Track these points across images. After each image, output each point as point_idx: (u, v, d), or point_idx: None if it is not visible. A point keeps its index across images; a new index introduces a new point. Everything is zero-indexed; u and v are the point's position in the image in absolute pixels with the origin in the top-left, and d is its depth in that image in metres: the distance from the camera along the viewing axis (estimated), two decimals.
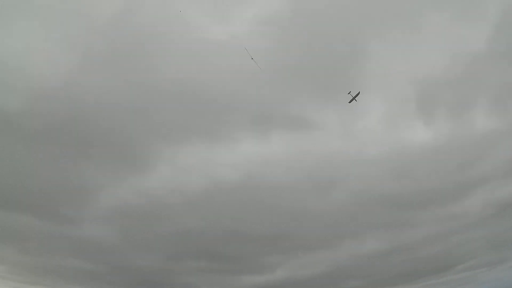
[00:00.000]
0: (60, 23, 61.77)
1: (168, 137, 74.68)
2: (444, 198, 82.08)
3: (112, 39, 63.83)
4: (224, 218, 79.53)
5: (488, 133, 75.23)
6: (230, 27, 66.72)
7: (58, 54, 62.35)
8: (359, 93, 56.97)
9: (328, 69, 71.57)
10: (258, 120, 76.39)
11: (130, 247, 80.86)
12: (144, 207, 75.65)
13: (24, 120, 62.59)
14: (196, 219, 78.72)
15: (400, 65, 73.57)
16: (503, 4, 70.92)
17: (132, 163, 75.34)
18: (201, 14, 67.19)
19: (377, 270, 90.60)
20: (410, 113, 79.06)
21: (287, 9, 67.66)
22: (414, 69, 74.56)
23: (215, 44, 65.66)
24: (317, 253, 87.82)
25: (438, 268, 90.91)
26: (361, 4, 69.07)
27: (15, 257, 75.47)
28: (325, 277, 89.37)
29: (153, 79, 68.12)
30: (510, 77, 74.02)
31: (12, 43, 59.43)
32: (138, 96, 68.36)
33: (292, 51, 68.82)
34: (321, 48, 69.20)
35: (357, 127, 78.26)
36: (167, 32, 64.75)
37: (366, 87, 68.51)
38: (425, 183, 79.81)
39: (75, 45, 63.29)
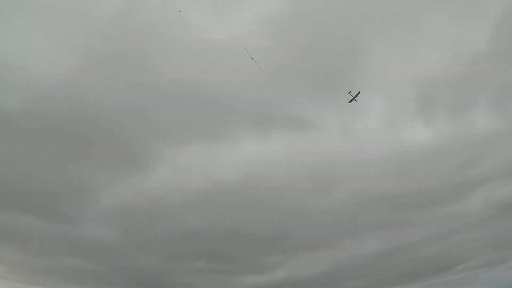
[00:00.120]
0: (60, 23, 61.80)
1: (168, 137, 74.88)
2: (444, 198, 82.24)
3: (112, 39, 63.85)
4: (224, 218, 79.65)
5: (488, 133, 75.40)
6: (230, 27, 66.78)
7: (58, 54, 62.36)
8: (359, 93, 56.90)
9: (328, 69, 71.66)
10: (258, 120, 76.57)
11: (130, 247, 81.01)
12: (144, 207, 75.79)
13: (24, 120, 62.56)
14: (196, 219, 78.88)
15: (400, 65, 73.79)
16: (503, 4, 71.08)
17: (132, 163, 75.43)
18: (201, 14, 67.29)
19: (377, 270, 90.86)
20: (410, 113, 79.34)
21: (287, 9, 67.79)
22: (414, 69, 74.79)
23: (215, 44, 65.70)
24: (317, 253, 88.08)
25: (438, 268, 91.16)
26: (361, 4, 69.11)
27: (15, 257, 75.47)
28: (325, 277, 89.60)
29: (153, 79, 68.18)
30: (510, 77, 74.08)
31: (12, 43, 59.43)
32: (138, 96, 68.45)
33: (292, 51, 68.89)
34: (321, 48, 69.29)
35: (357, 127, 78.50)
36: (167, 32, 64.76)
37: (366, 87, 68.69)
38: (425, 183, 79.98)
39: (75, 45, 63.30)
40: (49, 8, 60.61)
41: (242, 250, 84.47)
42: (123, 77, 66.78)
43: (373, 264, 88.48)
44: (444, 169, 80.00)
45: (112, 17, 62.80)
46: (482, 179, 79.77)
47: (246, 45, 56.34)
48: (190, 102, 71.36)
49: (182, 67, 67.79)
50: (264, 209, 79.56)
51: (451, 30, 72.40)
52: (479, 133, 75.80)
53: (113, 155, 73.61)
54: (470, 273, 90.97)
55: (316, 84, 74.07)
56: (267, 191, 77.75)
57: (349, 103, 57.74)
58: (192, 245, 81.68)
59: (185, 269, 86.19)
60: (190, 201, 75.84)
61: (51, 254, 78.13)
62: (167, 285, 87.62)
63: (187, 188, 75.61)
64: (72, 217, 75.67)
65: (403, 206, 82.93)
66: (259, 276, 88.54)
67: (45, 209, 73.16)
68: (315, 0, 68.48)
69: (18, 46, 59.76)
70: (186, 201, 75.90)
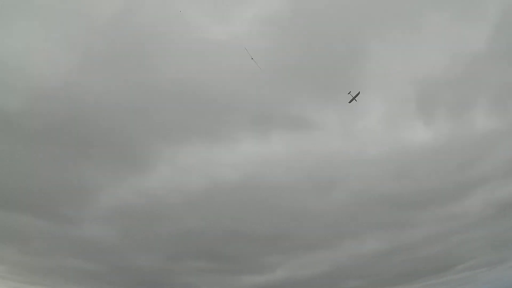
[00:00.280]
0: (60, 23, 61.81)
1: (168, 137, 74.84)
2: (444, 198, 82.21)
3: (112, 39, 63.84)
4: (224, 218, 79.63)
5: (488, 133, 75.41)
6: (230, 27, 66.79)
7: (58, 54, 62.35)
8: (359, 93, 56.83)
9: (328, 69, 71.65)
10: (258, 120, 76.57)
11: (130, 247, 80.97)
12: (144, 207, 75.73)
13: (24, 120, 62.55)
14: (196, 219, 78.85)
15: (400, 65, 73.82)
16: (503, 4, 71.10)
17: (132, 163, 75.38)
18: (201, 14, 67.30)
19: (377, 270, 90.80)
20: (410, 113, 79.36)
21: (287, 9, 67.79)
22: (414, 69, 74.81)
23: (215, 44, 65.68)
24: (317, 253, 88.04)
25: (438, 268, 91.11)
26: (361, 4, 69.12)
27: (15, 257, 75.44)
28: (325, 277, 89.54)
29: (153, 79, 68.16)
30: (510, 77, 74.09)
31: (12, 43, 59.45)
32: (138, 96, 68.44)
33: (292, 51, 68.90)
34: (321, 48, 69.30)
35: (357, 127, 78.52)
36: (167, 32, 64.76)
37: (366, 87, 68.71)
38: (425, 183, 79.98)
39: (75, 45, 63.30)
40: (49, 8, 60.66)
41: (242, 250, 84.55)
42: (123, 77, 66.87)
43: (373, 264, 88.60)
44: (444, 169, 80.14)
45: (112, 17, 62.85)
46: (482, 179, 79.96)
47: (246, 45, 56.40)
48: (190, 102, 71.48)
49: (182, 67, 67.86)
50: (264, 209, 79.68)
51: (451, 30, 72.56)
52: (479, 133, 75.95)
53: (113, 155, 73.70)
54: (470, 273, 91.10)
55: (316, 84, 74.16)
56: (267, 191, 77.90)
57: (349, 103, 57.73)
58: (192, 245, 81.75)
59: (185, 269, 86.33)
60: (190, 201, 75.96)
61: (51, 254, 78.27)
62: (167, 285, 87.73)
63: (187, 188, 75.74)
64: (72, 217, 75.77)
65: (403, 206, 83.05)
66: (259, 276, 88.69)
67: (45, 209, 73.27)
68: (315, 0, 68.53)
69: (18, 46, 59.82)
70: (186, 201, 76.02)
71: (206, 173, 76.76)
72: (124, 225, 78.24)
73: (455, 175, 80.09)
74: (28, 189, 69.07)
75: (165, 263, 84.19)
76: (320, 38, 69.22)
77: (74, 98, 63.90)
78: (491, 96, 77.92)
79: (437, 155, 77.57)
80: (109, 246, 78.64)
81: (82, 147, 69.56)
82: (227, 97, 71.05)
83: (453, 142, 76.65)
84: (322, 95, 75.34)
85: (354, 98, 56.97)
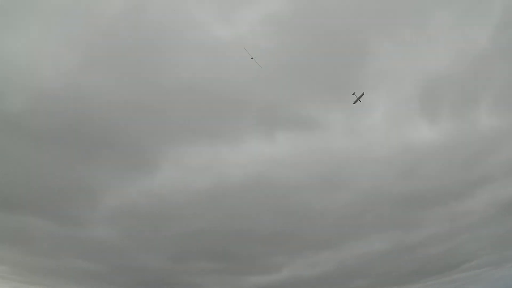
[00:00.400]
0: (61, 23, 61.94)
1: (173, 137, 74.75)
2: (449, 197, 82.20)
3: (115, 39, 63.92)
4: (230, 218, 79.46)
5: (493, 132, 75.63)
6: (236, 27, 67.11)
7: (60, 54, 62.55)
8: (363, 94, 56.97)
9: (333, 69, 71.85)
10: (264, 120, 76.79)
11: (136, 248, 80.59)
12: (150, 207, 75.67)
13: (27, 121, 62.45)
14: (202, 219, 78.58)
15: (405, 65, 74.07)
16: (507, 4, 71.14)
17: (137, 163, 75.07)
18: (206, 15, 67.61)
19: (383, 269, 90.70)
20: (414, 112, 79.60)
21: (294, 9, 68.16)
22: (418, 69, 75.08)
23: (221, 44, 66.01)
24: (323, 252, 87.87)
25: (443, 267, 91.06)
26: (365, 4, 69.36)
27: (17, 257, 74.93)
28: (331, 276, 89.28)
29: (157, 80, 68.32)
30: None
31: (13, 43, 59.64)
32: (142, 96, 68.40)
33: (298, 51, 69.04)
34: (326, 48, 69.26)
35: (362, 127, 78.75)
36: (171, 33, 64.99)
37: (371, 87, 69.18)
38: (430, 181, 79.96)
39: (77, 44, 63.37)
40: (50, 8, 60.98)
41: (248, 250, 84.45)
42: (126, 77, 67.04)
43: (378, 263, 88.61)
44: (449, 168, 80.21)
45: (114, 17, 63.09)
46: (487, 177, 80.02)
47: (252, 45, 56.88)
48: (195, 103, 71.35)
49: (187, 68, 68.02)
50: (269, 209, 79.79)
51: (455, 30, 72.85)
52: (484, 132, 76.19)
53: (117, 155, 73.35)
54: (475, 272, 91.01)
55: (321, 83, 74.42)
56: (273, 191, 77.98)
57: (353, 103, 57.87)
58: (198, 245, 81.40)
59: (191, 269, 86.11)
60: (195, 201, 75.87)
61: (54, 254, 77.66)
62: (173, 285, 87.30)
63: (192, 188, 75.73)
64: (77, 217, 75.22)
65: (408, 205, 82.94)
66: (265, 276, 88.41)
67: (48, 209, 72.81)
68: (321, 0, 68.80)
69: (19, 46, 60.03)
70: (191, 201, 75.90)
71: (211, 173, 76.89)
72: (130, 225, 77.90)
73: (460, 174, 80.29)
74: (30, 189, 69.05)
75: (172, 263, 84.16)
76: (325, 38, 69.40)
77: (77, 98, 63.95)
78: (495, 95, 78.32)
79: (442, 154, 77.89)
80: (114, 246, 78.51)
81: (85, 147, 69.55)
82: (233, 98, 71.17)
83: (457, 141, 76.96)
84: (327, 94, 75.57)
85: (358, 99, 57.12)
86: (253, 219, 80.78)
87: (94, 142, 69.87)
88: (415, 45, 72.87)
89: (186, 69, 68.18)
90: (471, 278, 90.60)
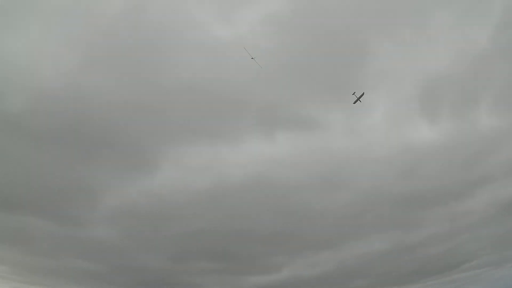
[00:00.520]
0: (61, 23, 61.91)
1: (174, 137, 74.77)
2: (449, 197, 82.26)
3: (115, 38, 63.90)
4: (230, 218, 79.49)
5: (493, 132, 75.67)
6: (236, 27, 67.13)
7: (60, 54, 62.53)
8: (363, 94, 57.00)
9: (333, 69, 71.87)
10: (264, 120, 76.87)
11: (136, 248, 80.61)
12: (151, 207, 75.64)
13: (27, 121, 62.42)
14: (202, 219, 78.61)
15: (405, 65, 74.07)
16: (507, 4, 71.17)
17: (137, 163, 75.09)
18: (206, 14, 67.60)
19: (383, 269, 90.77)
20: (414, 112, 79.63)
21: (294, 8, 68.13)
22: (419, 68, 75.11)
23: (221, 44, 66.03)
24: (323, 252, 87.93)
25: (443, 267, 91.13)
26: (366, 5, 69.37)
27: (17, 257, 74.93)
28: (331, 276, 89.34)
29: (157, 80, 68.29)
30: None
31: (13, 43, 59.60)
32: (142, 96, 68.40)
33: (298, 51, 69.07)
34: (326, 48, 69.32)
35: (362, 127, 78.81)
36: (171, 33, 65.00)
37: (371, 86, 69.21)
38: (430, 181, 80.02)
39: (77, 44, 63.34)
40: (50, 8, 60.96)
41: (248, 250, 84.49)
42: (126, 77, 67.01)
43: (379, 263, 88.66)
44: (449, 167, 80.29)
45: (114, 17, 63.06)
46: (487, 177, 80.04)
47: (252, 45, 56.78)
48: (196, 103, 71.38)
49: (187, 68, 68.04)
50: (269, 209, 79.83)
51: (456, 30, 72.91)
52: (484, 132, 76.24)
53: (117, 155, 73.36)
54: (475, 272, 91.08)
55: (321, 83, 74.50)
56: (273, 191, 78.02)
57: (353, 103, 57.91)
58: (198, 245, 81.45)
59: (191, 269, 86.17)
60: (196, 201, 75.91)
61: (54, 254, 77.69)
62: (173, 285, 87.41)
63: (192, 188, 75.75)
64: (77, 217, 75.23)
65: (409, 205, 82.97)
66: (265, 276, 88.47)
67: (48, 209, 72.81)
68: (321, 0, 68.82)
69: (19, 46, 59.99)
70: (191, 201, 75.92)
71: (211, 173, 76.93)
72: (130, 225, 77.92)
73: (460, 174, 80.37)
74: (30, 189, 69.02)
75: (172, 263, 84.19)
76: (325, 38, 69.47)
77: (77, 98, 63.94)
78: (495, 95, 78.43)
79: (442, 154, 77.98)
80: (114, 246, 78.54)
81: (85, 147, 69.54)
82: (233, 98, 71.21)
83: (457, 141, 77.05)
84: (327, 94, 75.65)
85: (358, 99, 57.15)
86: (253, 219, 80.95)
87: (94, 142, 69.88)
88: (415, 45, 72.97)
89: (186, 69, 68.29)
90: (471, 278, 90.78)
